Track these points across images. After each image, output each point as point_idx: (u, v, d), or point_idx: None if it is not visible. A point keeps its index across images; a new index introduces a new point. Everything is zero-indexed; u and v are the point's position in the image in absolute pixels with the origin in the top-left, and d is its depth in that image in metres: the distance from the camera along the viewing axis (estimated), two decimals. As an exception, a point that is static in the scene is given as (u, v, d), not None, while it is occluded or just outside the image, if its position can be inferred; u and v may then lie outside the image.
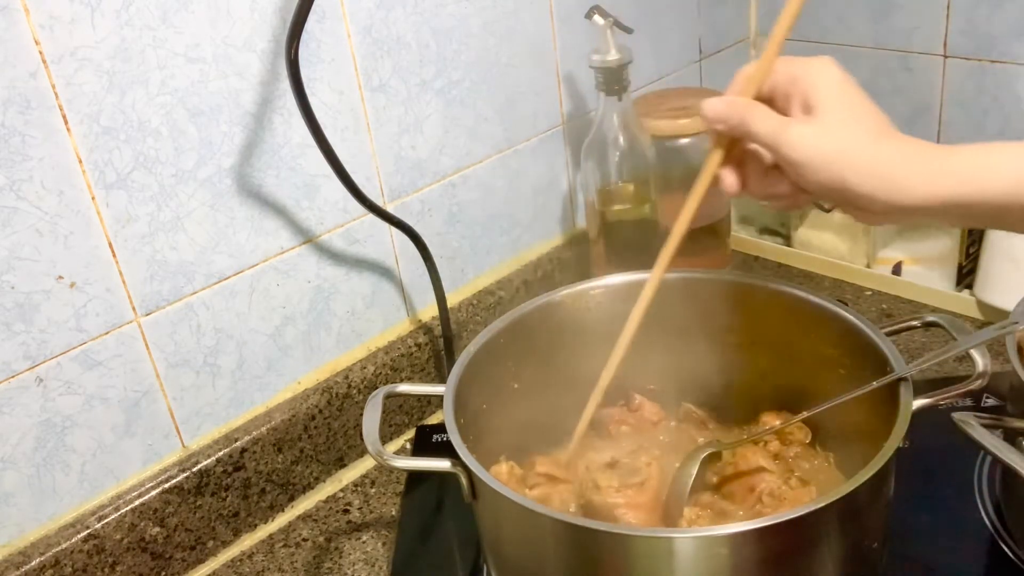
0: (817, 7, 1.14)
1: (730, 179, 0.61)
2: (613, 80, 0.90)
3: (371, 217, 0.87)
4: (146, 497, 0.76)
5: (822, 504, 0.53)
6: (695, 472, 0.66)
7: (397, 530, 0.80)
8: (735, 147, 0.61)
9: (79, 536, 0.72)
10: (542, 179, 1.03)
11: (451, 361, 0.93)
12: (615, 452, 0.74)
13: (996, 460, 0.60)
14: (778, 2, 0.58)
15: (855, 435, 0.65)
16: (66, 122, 0.67)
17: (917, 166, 0.55)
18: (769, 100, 0.60)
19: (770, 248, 1.13)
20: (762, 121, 0.58)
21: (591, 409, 0.71)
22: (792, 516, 0.53)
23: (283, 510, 0.85)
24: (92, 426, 0.74)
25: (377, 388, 0.77)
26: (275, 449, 0.83)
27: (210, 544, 0.81)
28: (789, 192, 0.60)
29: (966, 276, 1.00)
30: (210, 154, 0.75)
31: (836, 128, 0.56)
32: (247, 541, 0.83)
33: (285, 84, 0.76)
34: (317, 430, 0.86)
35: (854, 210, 0.58)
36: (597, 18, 0.89)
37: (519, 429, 0.74)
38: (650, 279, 0.67)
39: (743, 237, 1.14)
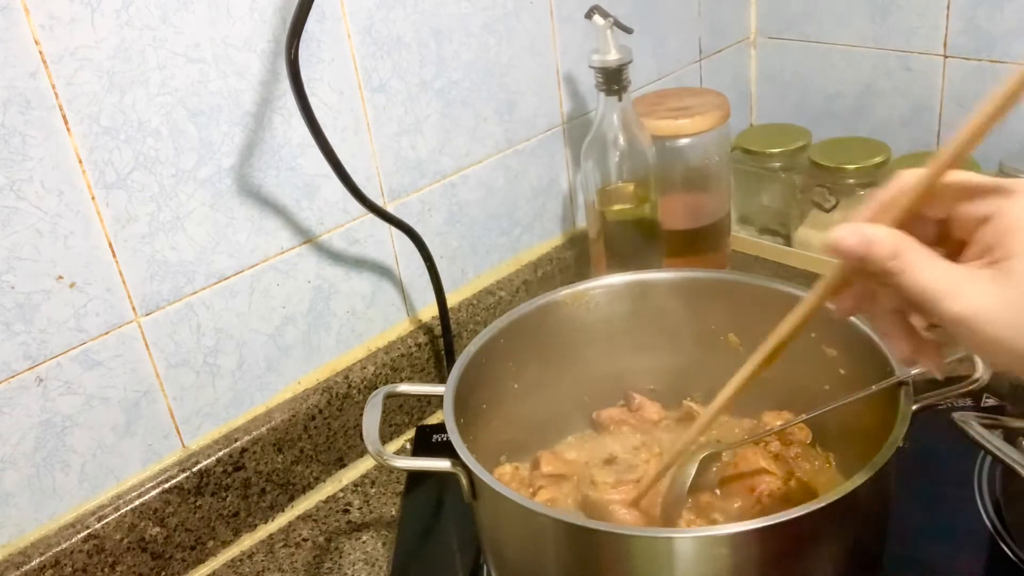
0: (817, 7, 1.14)
1: (845, 305, 0.50)
2: (613, 80, 0.90)
3: (371, 217, 0.87)
4: (146, 497, 0.76)
5: (822, 504, 0.53)
6: (694, 472, 0.66)
7: (397, 530, 0.80)
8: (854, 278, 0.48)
9: (79, 536, 0.72)
10: (542, 179, 1.03)
11: (451, 361, 0.93)
12: (614, 448, 0.74)
13: (996, 460, 0.61)
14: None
15: (855, 435, 0.65)
16: (66, 122, 0.67)
17: None
18: (924, 227, 0.45)
19: (770, 248, 1.13)
20: (927, 272, 0.43)
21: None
22: (792, 516, 0.53)
23: (283, 510, 0.85)
24: (92, 426, 0.74)
25: (377, 388, 0.77)
26: (275, 449, 0.83)
27: (210, 544, 0.81)
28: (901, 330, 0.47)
29: (966, 276, 1.00)
30: (210, 154, 0.75)
31: None
32: (247, 541, 0.83)
33: (285, 84, 0.76)
34: (317, 430, 0.86)
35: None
36: (597, 18, 0.89)
37: (519, 429, 0.74)
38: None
39: (743, 237, 1.14)
